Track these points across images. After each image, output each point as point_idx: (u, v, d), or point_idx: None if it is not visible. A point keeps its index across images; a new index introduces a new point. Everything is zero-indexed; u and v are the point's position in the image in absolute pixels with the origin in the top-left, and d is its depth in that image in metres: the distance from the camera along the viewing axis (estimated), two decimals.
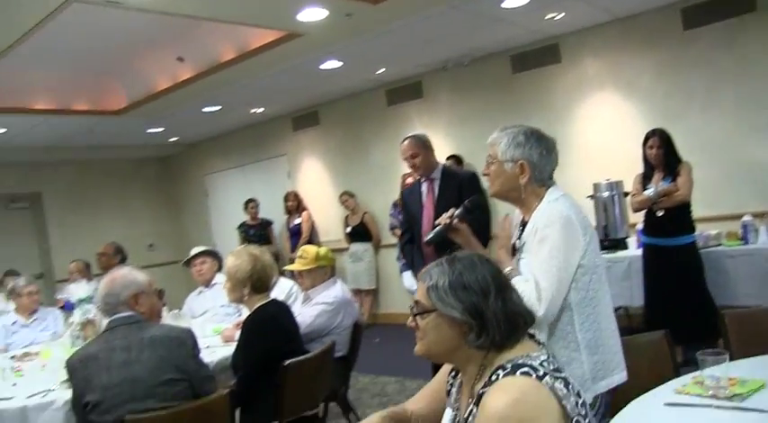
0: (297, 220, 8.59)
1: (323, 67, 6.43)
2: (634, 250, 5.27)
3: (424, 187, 4.28)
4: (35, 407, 3.02)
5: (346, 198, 8.05)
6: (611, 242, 5.41)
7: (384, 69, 6.97)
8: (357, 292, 7.86)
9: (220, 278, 4.63)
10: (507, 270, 2.20)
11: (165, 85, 6.68)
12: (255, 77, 6.52)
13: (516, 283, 2.15)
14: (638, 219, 5.11)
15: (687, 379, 2.01)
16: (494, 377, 1.56)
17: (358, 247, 8.03)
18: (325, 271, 4.03)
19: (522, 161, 2.21)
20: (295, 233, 8.58)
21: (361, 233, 7.98)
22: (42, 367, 3.57)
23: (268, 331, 3.19)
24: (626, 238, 5.46)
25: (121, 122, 7.75)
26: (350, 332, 3.96)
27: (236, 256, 3.38)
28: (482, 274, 1.64)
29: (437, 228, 2.55)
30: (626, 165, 5.22)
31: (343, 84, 7.42)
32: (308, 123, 8.71)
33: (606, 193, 5.42)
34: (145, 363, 2.62)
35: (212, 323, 4.39)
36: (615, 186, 5.40)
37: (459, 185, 4.13)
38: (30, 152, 8.78)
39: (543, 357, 1.59)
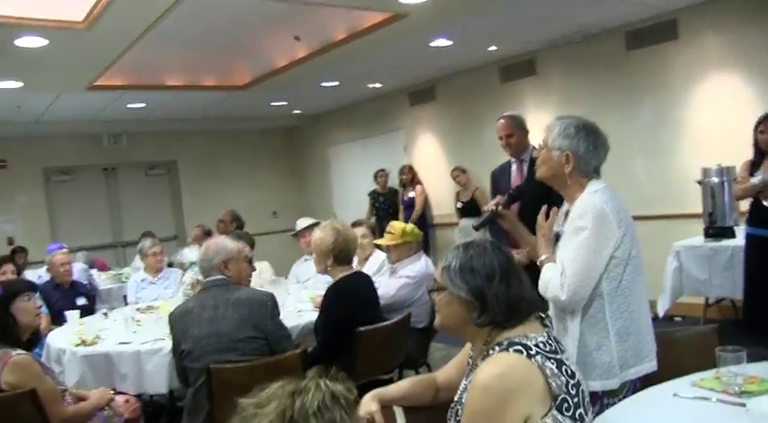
0: (410, 194, 8.85)
1: (433, 44, 6.55)
2: (741, 240, 5.07)
3: (514, 168, 4.36)
4: (147, 352, 3.50)
5: (458, 173, 8.19)
6: (717, 230, 5.23)
7: (495, 47, 6.99)
8: None
9: None
10: (543, 258, 2.33)
11: (284, 63, 7.07)
12: (368, 55, 6.74)
13: (546, 269, 2.28)
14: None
15: (710, 373, 2.05)
16: (491, 352, 1.74)
17: (468, 222, 8.14)
18: (410, 246, 4.25)
19: (569, 152, 2.32)
20: (408, 206, 8.84)
21: (471, 209, 8.08)
22: (158, 320, 4.05)
23: (347, 300, 3.45)
24: (733, 226, 5.24)
25: (247, 96, 8.26)
26: (431, 305, 4.17)
27: (322, 230, 3.66)
28: (490, 260, 1.80)
29: (485, 214, 2.70)
30: (741, 150, 4.99)
31: (457, 60, 7.51)
32: (424, 99, 8.88)
33: (716, 179, 5.20)
34: (229, 320, 2.98)
35: (312, 290, 4.73)
36: (726, 172, 5.16)
37: None
38: (166, 123, 9.60)
39: (541, 338, 1.74)
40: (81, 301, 5.06)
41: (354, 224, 4.75)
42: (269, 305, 3.07)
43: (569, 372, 1.73)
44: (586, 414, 1.73)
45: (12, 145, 9.00)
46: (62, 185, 9.70)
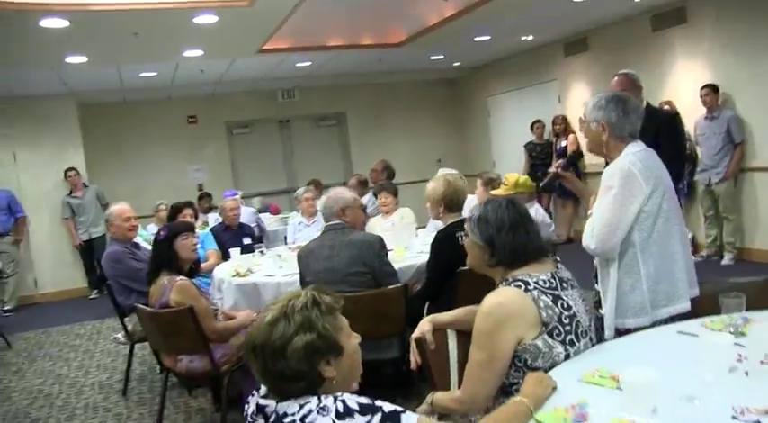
0: (563, 143, 8.94)
1: None
2: None
3: None
4: (285, 282, 4.19)
5: None
6: None
7: None
8: None
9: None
10: (589, 213, 2.65)
11: (435, 21, 7.42)
12: (515, 10, 6.88)
13: (587, 226, 2.60)
14: None
15: (724, 317, 2.26)
16: (499, 286, 2.14)
17: None
18: (523, 197, 4.54)
19: (603, 122, 2.60)
20: (561, 155, 8.95)
21: None
22: None
23: (452, 243, 3.88)
24: None
25: (404, 52, 8.73)
26: None
27: (435, 180, 4.10)
28: (502, 214, 2.21)
29: (549, 176, 3.03)
30: None
31: (607, 9, 7.43)
32: (577, 49, 8.84)
33: None
34: (342, 258, 3.54)
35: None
36: None
37: (658, 125, 4.28)
38: (334, 78, 10.34)
39: (543, 277, 2.12)
40: (246, 240, 5.89)
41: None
42: (376, 247, 3.59)
43: (565, 305, 2.09)
44: (578, 341, 2.08)
45: (200, 103, 10.29)
46: (242, 138, 10.89)
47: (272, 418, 1.56)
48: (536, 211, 4.55)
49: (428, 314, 3.85)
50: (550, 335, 2.04)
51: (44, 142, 8.92)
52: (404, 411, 1.55)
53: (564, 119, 8.98)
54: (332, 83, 10.62)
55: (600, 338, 2.53)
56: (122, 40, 6.23)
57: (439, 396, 2.19)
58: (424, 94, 11.64)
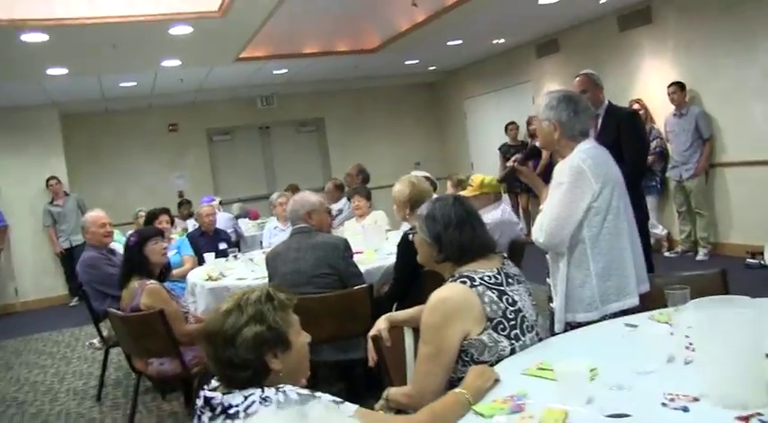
0: (537, 143, 9.05)
1: (541, 2, 6.72)
2: None
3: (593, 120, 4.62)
4: (256, 285, 4.24)
5: None
6: None
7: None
8: None
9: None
10: (540, 207, 2.80)
11: (406, 26, 7.55)
12: (481, 16, 7.02)
13: (538, 219, 2.72)
14: None
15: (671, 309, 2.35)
16: (447, 282, 2.23)
17: None
18: (488, 197, 4.63)
19: (554, 121, 2.71)
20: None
21: None
22: None
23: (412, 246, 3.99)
24: None
25: (379, 58, 8.83)
26: (506, 249, 4.57)
27: (400, 182, 4.19)
28: (449, 211, 2.30)
29: (506, 169, 3.13)
30: None
31: (575, 11, 7.58)
32: (549, 50, 9.00)
33: None
34: (308, 260, 3.64)
35: None
36: None
37: (618, 123, 4.39)
38: (313, 84, 10.45)
39: (489, 273, 2.21)
40: (222, 245, 5.98)
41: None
42: (341, 248, 3.69)
43: (510, 300, 2.18)
44: (523, 335, 2.17)
45: (181, 111, 10.39)
46: (223, 144, 10.99)
47: (218, 410, 1.62)
48: (502, 211, 4.64)
49: None
50: (495, 329, 2.12)
51: (27, 151, 8.98)
52: (342, 402, 1.65)
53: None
54: (310, 89, 10.74)
55: (553, 333, 2.65)
56: (101, 51, 6.32)
57: (393, 391, 2.26)
58: (402, 97, 11.76)
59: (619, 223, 2.64)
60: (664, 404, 1.60)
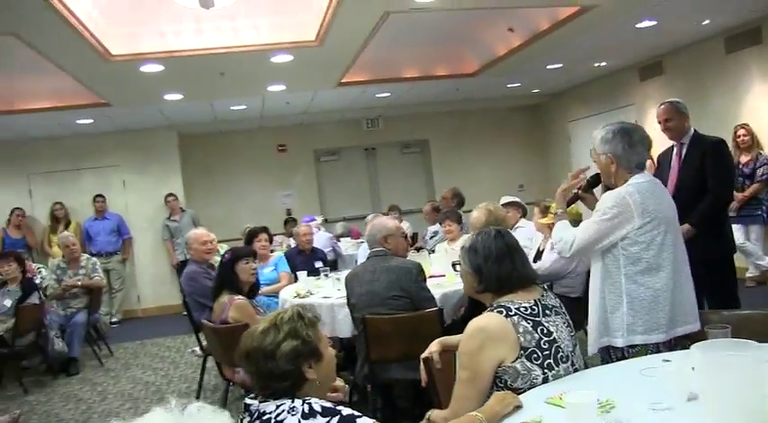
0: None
1: (639, 26, 6.64)
2: None
3: (675, 150, 4.58)
4: (339, 304, 4.48)
5: None
6: None
7: (708, 20, 6.80)
8: None
9: (523, 222, 5.92)
10: (558, 211, 3.08)
11: (504, 51, 7.64)
12: (579, 40, 7.00)
13: (560, 226, 3.00)
14: None
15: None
16: (486, 311, 2.37)
17: None
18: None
19: (610, 154, 2.79)
20: None
21: None
22: None
23: None
24: None
25: (479, 81, 8.96)
26: (584, 277, 4.58)
27: (477, 210, 4.36)
28: (490, 244, 2.44)
29: (571, 195, 3.23)
30: None
31: (679, 33, 7.41)
32: (652, 73, 8.80)
33: None
34: (381, 282, 3.84)
35: None
36: None
37: (703, 151, 4.36)
38: (417, 106, 10.68)
39: (525, 304, 2.33)
40: (318, 264, 6.29)
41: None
42: (413, 273, 3.87)
43: (545, 331, 2.29)
44: (557, 365, 2.26)
45: (289, 132, 10.94)
46: (329, 164, 11.43)
47: (254, 416, 1.86)
48: None
49: None
50: (528, 358, 2.24)
51: (148, 170, 9.80)
52: (360, 416, 1.83)
53: None
54: (414, 111, 10.97)
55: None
56: (210, 78, 6.86)
57: (435, 413, 2.39)
58: (505, 120, 11.78)
59: (660, 259, 2.71)
60: None
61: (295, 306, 2.07)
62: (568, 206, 3.33)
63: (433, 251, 5.99)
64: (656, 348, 2.67)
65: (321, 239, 7.21)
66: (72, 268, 6.95)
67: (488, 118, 11.68)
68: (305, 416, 1.80)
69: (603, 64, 8.85)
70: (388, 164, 11.73)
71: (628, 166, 2.81)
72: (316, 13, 5.50)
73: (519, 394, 2.15)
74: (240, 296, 4.09)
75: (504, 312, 2.29)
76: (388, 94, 9.39)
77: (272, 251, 7.02)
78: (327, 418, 1.80)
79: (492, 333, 2.27)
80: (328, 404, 1.85)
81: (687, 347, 2.50)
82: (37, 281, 6.97)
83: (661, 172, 4.73)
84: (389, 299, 3.81)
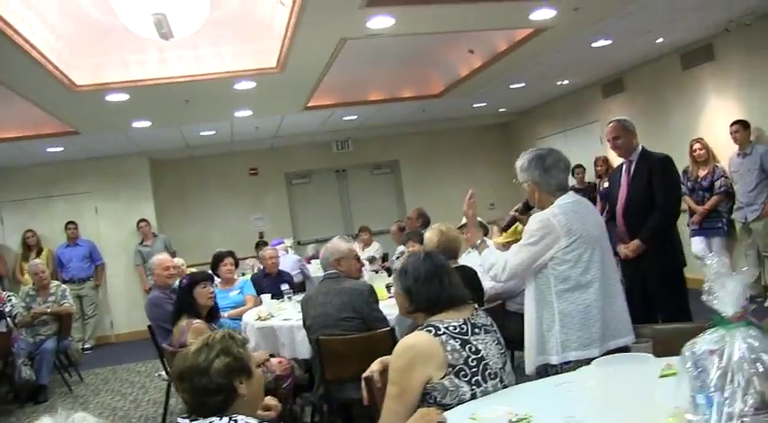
0: (606, 184, 9.04)
1: (594, 45, 6.84)
2: None
3: (624, 167, 4.70)
4: (297, 326, 4.55)
5: None
6: None
7: (662, 39, 7.01)
8: None
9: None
10: (478, 242, 3.17)
11: (466, 72, 7.82)
12: (538, 60, 7.19)
13: (488, 253, 3.08)
14: None
15: None
16: (416, 330, 2.47)
17: None
18: None
19: (530, 182, 2.94)
20: (603, 196, 9.05)
21: None
22: None
23: None
24: None
25: (445, 102, 9.13)
26: None
27: (430, 231, 4.48)
28: (419, 266, 2.54)
29: (508, 217, 3.37)
30: None
31: (634, 51, 7.61)
32: (615, 90, 9.03)
33: None
34: (334, 304, 3.93)
35: None
36: None
37: (650, 168, 4.50)
38: (385, 128, 10.85)
39: (455, 323, 2.42)
40: (284, 287, 6.33)
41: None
42: (365, 294, 3.96)
43: (473, 349, 2.38)
44: (485, 382, 2.36)
45: (260, 156, 11.05)
46: (301, 187, 11.54)
47: None
48: None
49: None
50: (456, 375, 2.33)
51: (120, 196, 9.87)
52: None
53: (605, 160, 9.08)
54: (383, 132, 11.14)
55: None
56: (176, 106, 6.97)
57: None
58: (475, 139, 11.95)
59: (588, 276, 2.83)
60: None
61: (224, 329, 2.16)
62: (506, 230, 3.46)
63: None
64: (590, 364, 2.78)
65: (289, 262, 7.30)
66: (41, 296, 6.98)
67: (458, 137, 11.85)
68: None
69: (566, 82, 9.07)
70: (360, 185, 11.85)
71: (549, 190, 2.95)
72: (276, 40, 5.62)
73: (447, 410, 2.25)
74: (198, 320, 4.16)
75: (433, 331, 2.39)
76: (356, 117, 9.54)
77: (243, 274, 7.12)
78: None
79: (420, 351, 2.36)
80: (254, 421, 1.94)
81: None
82: (7, 309, 6.98)
83: (611, 187, 4.88)
84: (342, 320, 3.90)
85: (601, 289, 2.85)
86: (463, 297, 2.57)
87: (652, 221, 4.40)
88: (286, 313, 5.05)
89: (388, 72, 7.77)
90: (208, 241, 9.94)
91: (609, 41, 6.77)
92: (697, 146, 7.09)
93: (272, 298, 5.55)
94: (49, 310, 6.86)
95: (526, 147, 10.67)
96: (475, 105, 10.00)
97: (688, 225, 7.16)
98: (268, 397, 2.47)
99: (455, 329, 2.40)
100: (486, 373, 2.37)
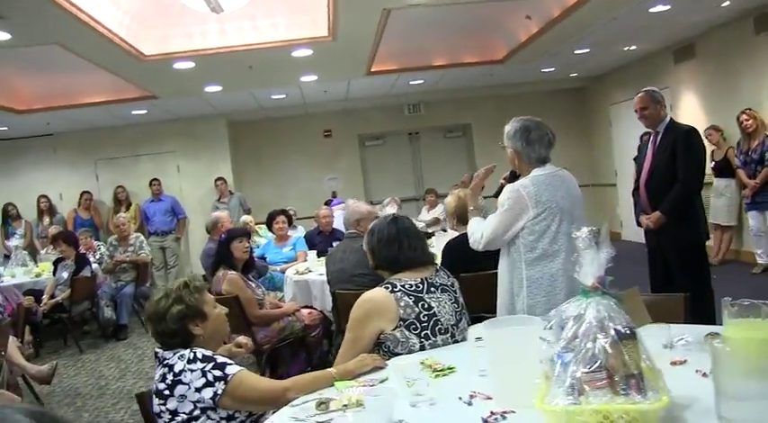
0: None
1: (652, 11, 6.72)
2: None
3: (651, 138, 4.71)
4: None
5: (710, 132, 8.02)
6: None
7: (728, 2, 6.77)
8: (716, 227, 7.92)
9: None
10: (471, 208, 3.33)
11: (525, 38, 7.84)
12: (594, 25, 7.12)
13: (473, 222, 3.26)
14: None
15: None
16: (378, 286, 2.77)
17: (720, 182, 7.99)
18: None
19: (513, 149, 3.10)
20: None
21: (723, 168, 7.92)
22: None
23: (459, 252, 4.45)
24: None
25: (510, 67, 9.18)
26: None
27: (450, 196, 4.72)
28: (383, 228, 2.84)
29: (499, 186, 3.54)
30: None
31: (702, 15, 7.38)
32: (685, 56, 8.76)
33: None
34: (350, 261, 4.28)
35: None
36: None
37: (675, 139, 4.48)
38: (456, 92, 10.96)
39: (411, 282, 2.70)
40: (336, 244, 6.76)
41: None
42: None
43: (426, 306, 2.65)
44: (434, 336, 2.62)
45: (334, 118, 11.45)
46: (373, 149, 11.88)
47: (161, 361, 2.34)
48: None
49: None
50: (408, 328, 2.60)
51: (200, 156, 10.58)
52: (231, 364, 2.28)
53: None
54: (454, 96, 11.24)
55: None
56: (241, 71, 7.42)
57: None
58: (547, 103, 11.75)
59: (554, 246, 2.97)
60: (460, 398, 2.01)
61: (184, 278, 2.53)
62: (496, 196, 3.63)
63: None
64: None
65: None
66: (122, 246, 7.74)
67: (530, 101, 11.72)
68: (189, 361, 2.27)
69: (633, 47, 8.87)
70: (431, 148, 12.05)
71: (528, 161, 3.08)
72: (325, 11, 5.93)
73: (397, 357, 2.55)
74: (233, 271, 4.62)
75: (390, 288, 2.68)
76: (422, 82, 9.73)
77: None
78: (205, 364, 2.26)
79: (375, 305, 2.66)
80: (209, 353, 2.31)
81: None
82: (96, 257, 7.81)
83: (638, 158, 4.91)
84: (356, 276, 4.24)
85: (567, 259, 2.94)
86: (422, 260, 2.83)
87: (673, 193, 4.42)
88: (322, 269, 5.43)
89: (449, 38, 7.91)
90: (283, 200, 10.40)
91: (667, 7, 6.64)
92: (743, 117, 6.89)
93: (321, 255, 5.97)
94: (128, 259, 7.61)
95: (599, 113, 10.73)
96: (543, 70, 9.96)
97: (743, 199, 7.01)
98: (242, 336, 2.86)
99: (410, 287, 2.67)
100: (437, 328, 2.64)
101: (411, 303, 2.63)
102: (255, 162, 11.28)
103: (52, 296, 6.89)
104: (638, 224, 4.81)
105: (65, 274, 7.02)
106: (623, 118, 10.71)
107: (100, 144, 10.47)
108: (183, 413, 2.23)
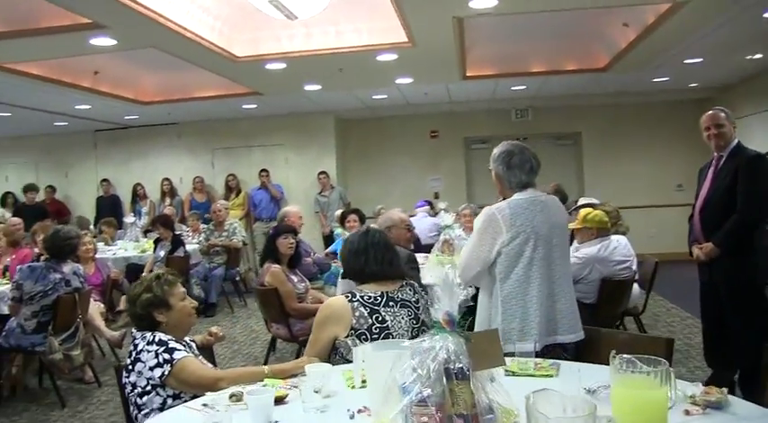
0: None
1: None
2: None
3: (713, 161, 4.33)
4: None
5: None
6: None
7: None
8: None
9: None
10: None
11: (624, 45, 7.51)
12: (700, 32, 6.70)
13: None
14: None
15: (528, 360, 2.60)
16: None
17: None
18: (590, 232, 4.79)
19: (495, 173, 3.11)
20: None
21: None
22: None
23: None
24: None
25: (616, 76, 8.82)
26: (597, 284, 4.72)
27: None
28: (357, 240, 2.98)
29: None
30: None
31: None
32: None
33: None
34: None
35: None
36: None
37: (737, 165, 4.08)
38: (566, 99, 10.68)
39: (372, 294, 2.83)
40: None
41: None
42: (404, 260, 4.38)
43: (380, 318, 2.76)
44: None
45: (440, 119, 11.56)
46: (479, 152, 11.79)
47: (133, 339, 2.65)
48: (600, 247, 4.68)
49: None
50: (358, 337, 2.73)
51: (307, 150, 11.09)
52: (180, 350, 2.54)
53: None
54: (564, 103, 10.96)
55: None
56: (332, 73, 7.73)
57: None
58: (668, 115, 11.20)
59: (530, 272, 2.89)
60: (349, 410, 2.11)
61: (160, 271, 2.82)
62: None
63: None
64: (532, 356, 2.87)
65: (426, 224, 7.81)
66: (218, 230, 8.35)
67: (646, 112, 11.26)
68: (148, 343, 2.57)
69: (758, 56, 8.19)
70: (539, 154, 11.67)
71: (509, 186, 3.05)
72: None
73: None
74: (277, 265, 4.92)
75: (350, 297, 2.82)
76: (524, 87, 9.60)
77: None
78: (158, 347, 2.55)
79: (333, 311, 2.81)
80: (165, 338, 2.59)
81: (561, 357, 2.80)
82: (200, 238, 8.48)
83: (698, 184, 4.54)
84: None
85: (542, 286, 2.90)
86: (387, 273, 2.93)
87: (729, 225, 4.03)
88: None
89: (546, 45, 7.77)
90: (387, 197, 10.72)
91: None
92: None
93: None
94: (220, 243, 8.19)
95: None
96: (655, 79, 9.49)
97: None
98: (214, 327, 3.13)
99: (368, 299, 2.80)
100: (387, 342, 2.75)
101: (366, 314, 2.76)
102: (362, 158, 11.65)
103: (151, 271, 7.58)
104: (690, 254, 4.48)
105: (162, 253, 7.70)
106: (752, 133, 9.95)
107: (217, 134, 11.29)
108: (140, 387, 2.54)
